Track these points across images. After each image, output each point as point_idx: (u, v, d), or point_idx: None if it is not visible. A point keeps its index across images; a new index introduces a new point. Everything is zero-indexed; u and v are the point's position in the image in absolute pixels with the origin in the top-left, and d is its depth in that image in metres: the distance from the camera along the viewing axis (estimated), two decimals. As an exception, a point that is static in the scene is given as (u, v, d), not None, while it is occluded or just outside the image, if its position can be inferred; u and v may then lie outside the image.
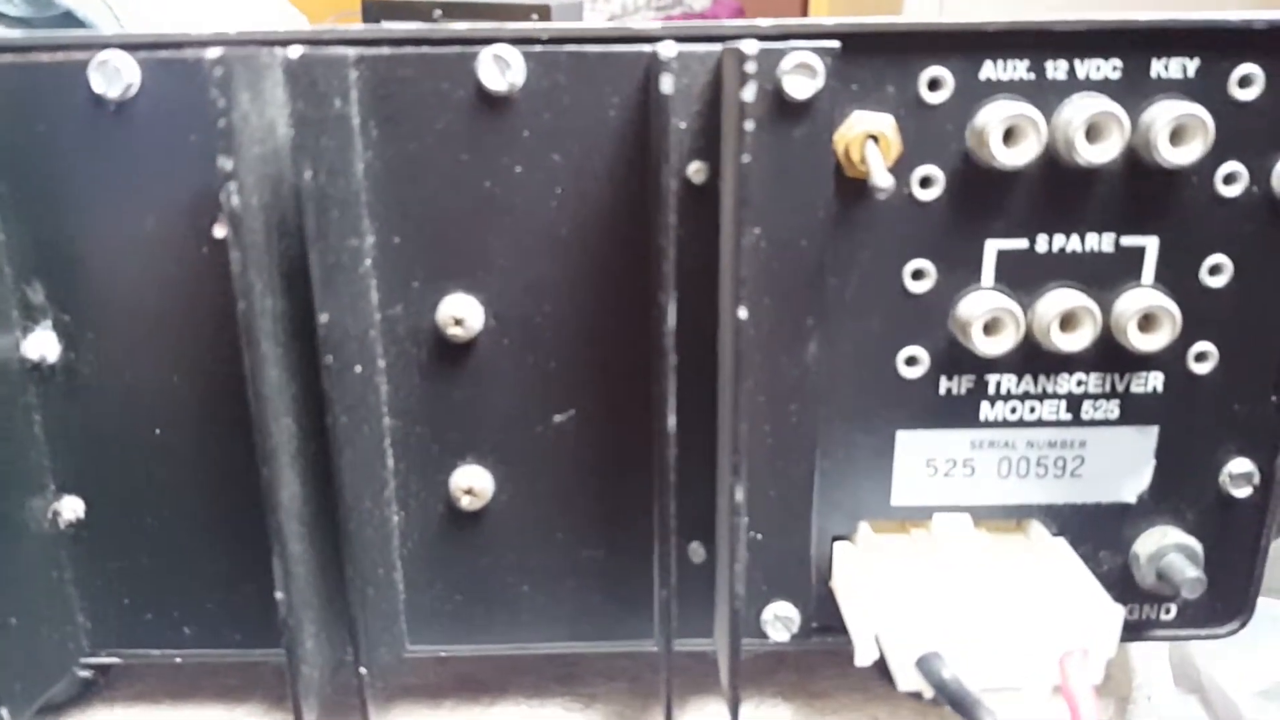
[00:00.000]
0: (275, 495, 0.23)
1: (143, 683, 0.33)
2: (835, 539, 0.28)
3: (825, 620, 0.28)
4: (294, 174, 0.22)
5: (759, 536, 0.27)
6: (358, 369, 0.24)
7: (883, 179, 0.23)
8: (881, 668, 0.26)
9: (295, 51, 0.21)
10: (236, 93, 0.21)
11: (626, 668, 0.33)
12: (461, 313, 0.25)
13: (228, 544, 0.27)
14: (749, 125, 0.21)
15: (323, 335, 0.22)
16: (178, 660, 0.29)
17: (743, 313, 0.22)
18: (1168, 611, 0.29)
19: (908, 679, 0.24)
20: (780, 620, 0.28)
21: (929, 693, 0.24)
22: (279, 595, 0.24)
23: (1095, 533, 0.28)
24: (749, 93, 0.21)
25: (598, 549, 0.28)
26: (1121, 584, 0.28)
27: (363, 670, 0.25)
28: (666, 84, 0.20)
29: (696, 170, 0.24)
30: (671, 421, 0.23)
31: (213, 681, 0.32)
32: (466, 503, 0.27)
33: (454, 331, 0.25)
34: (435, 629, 0.28)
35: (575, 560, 0.28)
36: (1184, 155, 0.24)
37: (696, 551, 0.27)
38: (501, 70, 0.23)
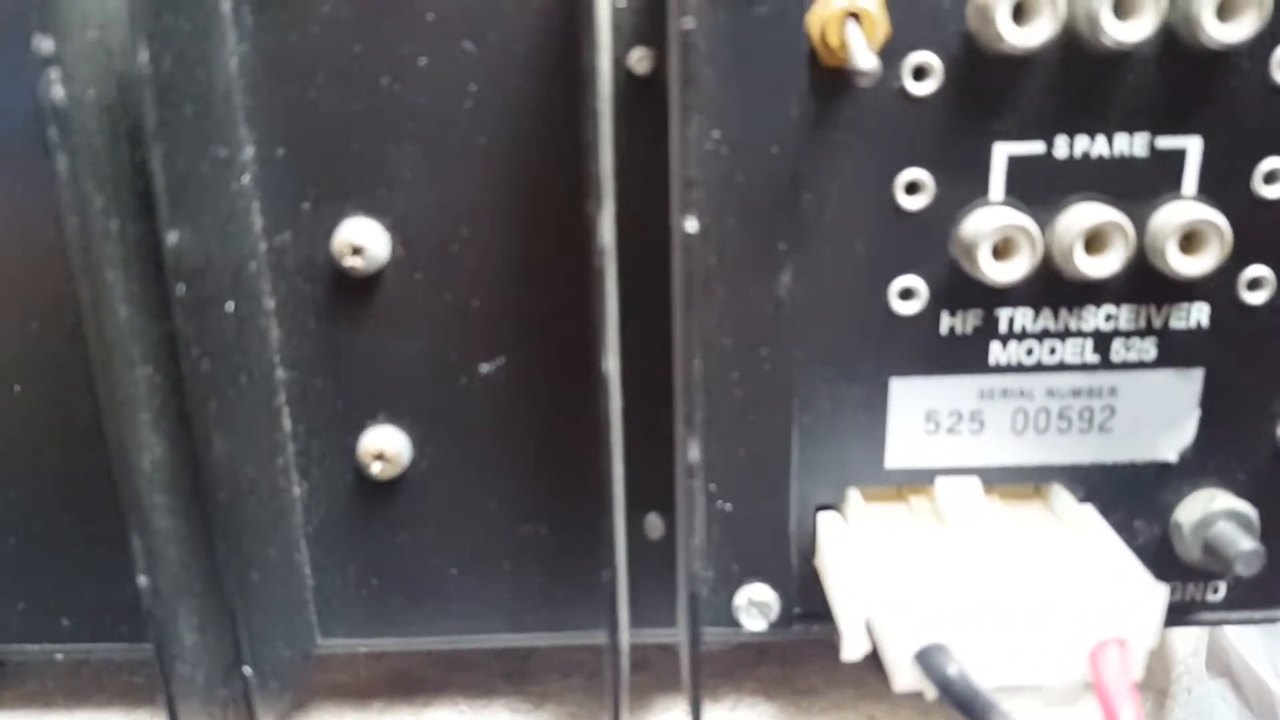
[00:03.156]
0: (129, 459, 0.19)
1: (36, 680, 0.29)
2: (820, 509, 0.24)
3: (810, 605, 0.24)
4: (124, 58, 0.17)
5: (728, 507, 0.23)
6: (229, 305, 0.20)
7: (866, 60, 0.19)
8: (876, 661, 0.21)
9: (120, -103, 0.17)
10: (58, -42, 0.17)
11: (584, 661, 0.29)
12: (361, 239, 0.21)
13: (105, 521, 0.23)
14: (690, -23, 0.16)
15: (171, 259, 0.18)
16: (58, 656, 0.25)
17: (690, 225, 0.18)
18: (1215, 591, 0.24)
19: (905, 676, 0.20)
20: (756, 606, 0.24)
21: (931, 693, 0.20)
22: (141, 580, 0.20)
23: (1129, 498, 0.24)
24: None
25: (539, 524, 0.23)
26: (1160, 558, 0.24)
27: (247, 671, 0.21)
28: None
29: (640, 58, 0.20)
30: (610, 363, 0.19)
31: (114, 680, 0.29)
32: (378, 470, 0.22)
33: (353, 263, 0.21)
34: (350, 620, 0.24)
35: (512, 537, 0.23)
36: (1233, 32, 0.20)
37: (654, 525, 0.23)
38: (396, -63, 0.19)
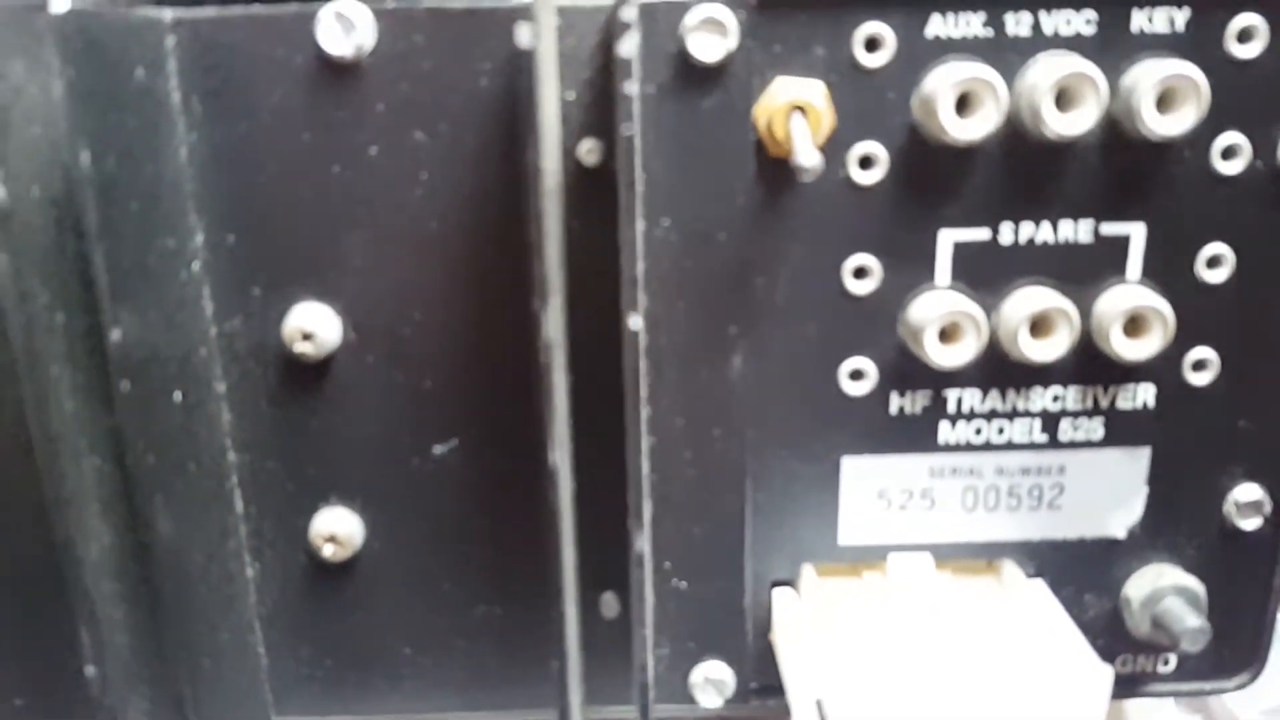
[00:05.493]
0: (75, 551, 0.19)
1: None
2: (775, 584, 0.24)
3: (766, 679, 0.24)
4: (69, 154, 0.17)
5: (683, 584, 0.23)
6: (177, 396, 0.20)
7: (808, 157, 0.19)
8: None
9: (61, 5, 0.17)
10: (1, 58, 0.17)
11: (547, 731, 0.28)
12: (312, 325, 0.21)
13: (59, 603, 0.23)
14: (630, 88, 0.17)
15: (116, 356, 0.18)
16: (11, 737, 0.25)
17: (633, 323, 0.18)
18: (1165, 662, 0.25)
19: (854, 759, 0.20)
20: (711, 683, 0.24)
21: (879, 776, 0.20)
22: (89, 670, 0.20)
23: (1078, 573, 0.24)
24: (628, 46, 0.16)
25: (493, 604, 0.23)
26: (1110, 632, 0.24)
27: (196, 758, 0.21)
28: (524, 36, 0.16)
29: (589, 150, 0.20)
30: (557, 456, 0.19)
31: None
32: (330, 552, 0.22)
33: (304, 348, 0.21)
34: (304, 698, 0.24)
35: (466, 617, 0.23)
36: (1174, 125, 0.20)
37: (609, 604, 0.23)
38: (346, 31, 0.19)
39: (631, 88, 0.17)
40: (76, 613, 0.19)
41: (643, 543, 0.19)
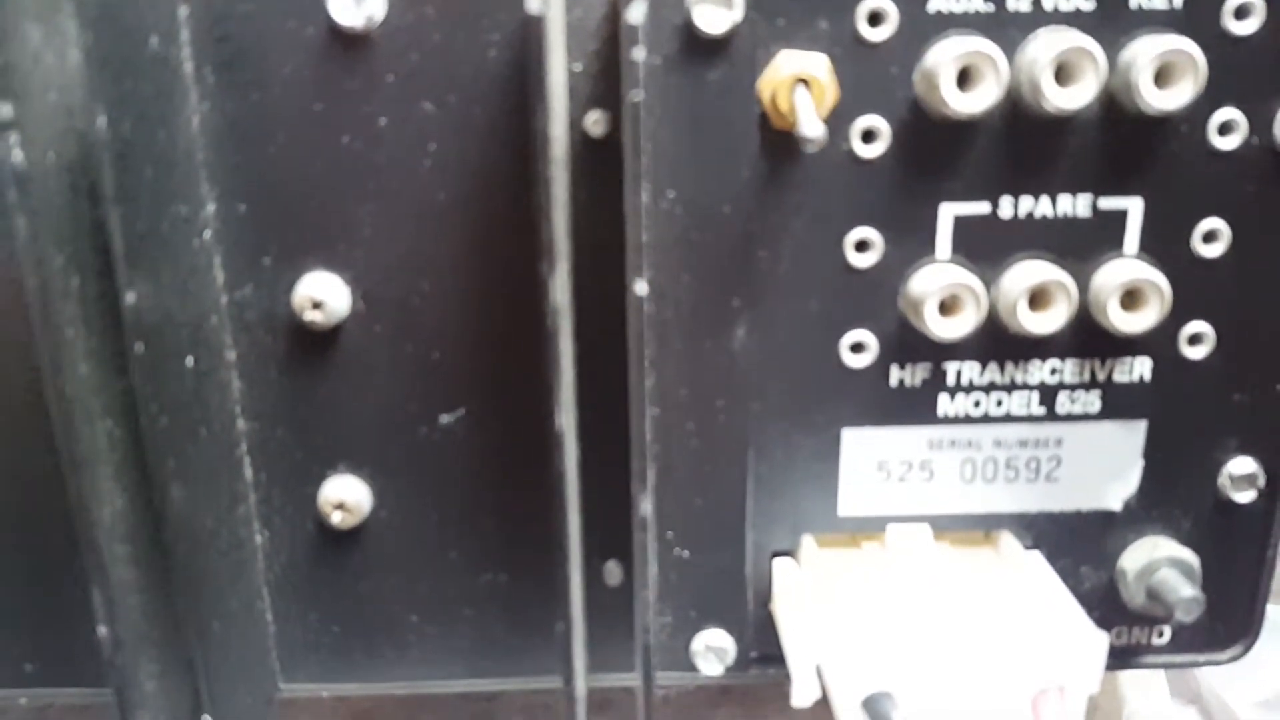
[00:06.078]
0: (89, 514, 0.19)
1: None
2: (775, 555, 0.24)
3: (766, 649, 0.24)
4: (84, 120, 0.18)
5: (685, 554, 0.24)
6: (189, 361, 0.20)
7: (812, 127, 0.19)
8: (828, 706, 0.22)
9: (80, -30, 0.17)
10: (19, 24, 0.17)
11: (550, 702, 0.29)
12: (322, 294, 0.21)
13: (69, 567, 0.24)
14: (637, 54, 0.17)
15: (129, 319, 0.18)
16: (22, 701, 0.25)
17: (639, 288, 0.18)
18: (1160, 635, 0.25)
19: (853, 722, 0.20)
20: (712, 651, 0.24)
21: (877, 739, 0.20)
22: (102, 630, 0.20)
23: (1075, 545, 0.24)
24: (636, 12, 0.17)
25: (498, 572, 0.24)
26: (1106, 604, 0.24)
27: (206, 719, 0.21)
28: (533, 1, 0.16)
29: (595, 121, 0.21)
30: (564, 420, 0.19)
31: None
32: (339, 519, 0.23)
33: (313, 316, 0.21)
34: (312, 665, 0.24)
35: (472, 585, 0.24)
36: (1171, 100, 0.20)
37: (612, 572, 0.24)
38: (356, 2, 0.20)
39: (638, 54, 0.17)
40: (89, 573, 0.20)
41: (647, 505, 0.20)
